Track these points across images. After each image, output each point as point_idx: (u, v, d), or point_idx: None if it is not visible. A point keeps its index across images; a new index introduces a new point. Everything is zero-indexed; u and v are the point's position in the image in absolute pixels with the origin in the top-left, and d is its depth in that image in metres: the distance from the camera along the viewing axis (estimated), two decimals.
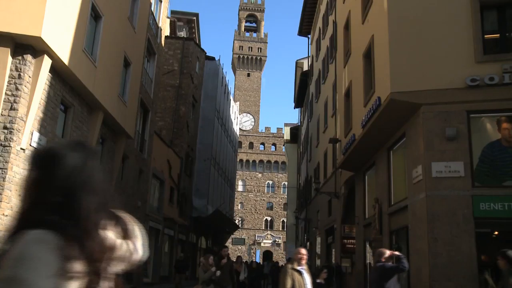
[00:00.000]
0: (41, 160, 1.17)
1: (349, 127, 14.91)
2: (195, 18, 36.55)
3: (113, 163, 16.92)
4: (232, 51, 77.74)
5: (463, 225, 8.83)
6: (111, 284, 1.15)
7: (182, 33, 34.68)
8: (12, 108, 10.32)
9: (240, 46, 76.59)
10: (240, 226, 58.04)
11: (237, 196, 62.39)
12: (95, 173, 1.19)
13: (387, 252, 6.59)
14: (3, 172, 9.95)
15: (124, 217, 1.23)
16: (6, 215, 9.70)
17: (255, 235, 65.98)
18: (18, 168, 10.23)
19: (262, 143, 70.89)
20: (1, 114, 10.24)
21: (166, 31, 25.93)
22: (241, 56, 76.18)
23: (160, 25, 22.77)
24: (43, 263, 1.01)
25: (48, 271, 1.01)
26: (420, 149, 9.69)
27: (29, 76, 10.66)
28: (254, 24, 79.48)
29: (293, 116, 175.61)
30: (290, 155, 42.44)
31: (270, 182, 69.23)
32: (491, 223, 9.01)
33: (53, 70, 11.65)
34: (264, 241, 66.01)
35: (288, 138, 42.95)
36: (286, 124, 47.36)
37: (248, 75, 76.25)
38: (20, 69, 10.53)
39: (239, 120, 60.91)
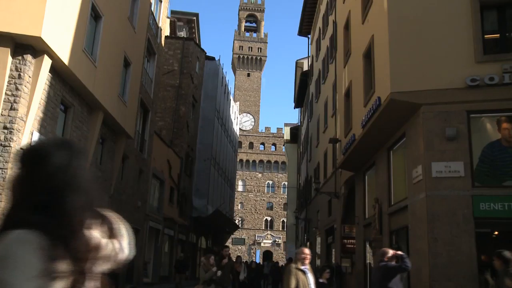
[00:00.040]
0: (26, 158, 1.15)
1: (349, 127, 14.91)
2: (195, 18, 36.56)
3: (113, 163, 16.92)
4: (232, 51, 77.77)
5: (463, 225, 8.83)
6: (97, 284, 1.13)
7: (182, 33, 34.68)
8: (12, 108, 10.33)
9: (240, 46, 76.59)
10: (240, 226, 58.04)
11: (237, 196, 62.39)
12: (81, 172, 1.17)
13: (390, 252, 6.59)
14: (3, 172, 9.96)
15: (110, 216, 1.21)
16: None
17: (255, 235, 65.98)
18: None
19: (262, 143, 70.89)
20: (1, 114, 10.25)
21: (166, 31, 25.93)
22: (241, 56, 76.18)
23: (160, 25, 22.77)
24: (25, 264, 0.99)
25: (31, 272, 0.99)
26: (420, 149, 9.69)
27: (29, 76, 10.66)
28: (254, 24, 79.49)
29: (293, 116, 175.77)
30: (290, 155, 42.44)
31: (270, 182, 69.24)
32: (491, 223, 9.01)
33: (53, 70, 11.66)
34: (264, 241, 66.02)
35: (288, 138, 42.96)
36: (286, 124, 47.39)
37: (248, 75, 76.25)
38: (20, 69, 10.53)
39: (239, 120, 60.92)
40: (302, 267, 5.92)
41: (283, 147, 57.82)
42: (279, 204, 67.56)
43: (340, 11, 17.91)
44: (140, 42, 18.79)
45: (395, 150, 11.96)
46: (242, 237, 64.61)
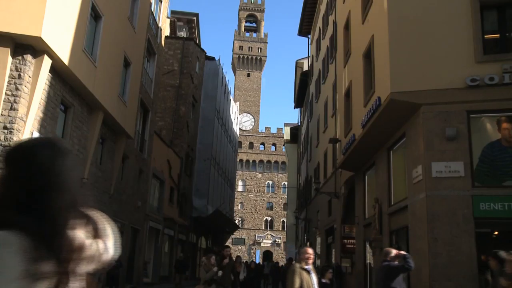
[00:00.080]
0: (9, 158, 1.13)
1: (349, 127, 14.91)
2: (195, 18, 36.56)
3: (113, 163, 16.93)
4: (232, 51, 77.77)
5: (463, 225, 8.83)
6: (82, 284, 1.12)
7: (182, 33, 34.68)
8: (12, 108, 10.33)
9: (240, 46, 76.59)
10: (240, 226, 58.04)
11: (237, 196, 62.38)
12: (66, 172, 1.14)
13: (393, 252, 6.59)
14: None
15: (95, 216, 1.19)
16: None
17: (255, 235, 65.98)
18: None
19: (262, 143, 70.89)
20: (1, 114, 10.25)
21: (166, 31, 25.94)
22: (241, 56, 76.18)
23: (160, 25, 22.77)
24: (6, 266, 0.98)
25: (11, 274, 0.98)
26: (420, 149, 9.69)
27: (29, 76, 10.66)
28: (254, 24, 79.48)
29: (293, 116, 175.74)
30: (290, 155, 42.44)
31: (270, 182, 69.24)
32: (491, 223, 9.01)
33: (53, 70, 11.66)
34: (264, 241, 66.02)
35: (288, 138, 42.96)
36: (286, 124, 47.39)
37: (248, 75, 76.25)
38: (20, 69, 10.53)
39: (239, 120, 60.92)
40: (306, 267, 5.94)
41: (283, 147, 57.83)
42: (279, 204, 67.56)
43: (340, 11, 17.91)
44: (140, 42, 18.79)
45: (395, 150, 11.96)
46: (242, 237, 64.61)
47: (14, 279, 0.98)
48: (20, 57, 10.59)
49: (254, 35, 77.72)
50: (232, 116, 46.74)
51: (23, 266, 0.99)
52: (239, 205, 65.84)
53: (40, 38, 10.39)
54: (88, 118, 14.30)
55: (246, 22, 78.91)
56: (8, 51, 10.41)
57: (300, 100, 36.11)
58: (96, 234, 1.18)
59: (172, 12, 32.61)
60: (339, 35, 17.75)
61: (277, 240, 66.06)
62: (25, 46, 10.63)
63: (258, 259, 56.18)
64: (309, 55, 31.74)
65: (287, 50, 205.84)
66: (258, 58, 76.52)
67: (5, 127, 10.19)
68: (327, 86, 21.56)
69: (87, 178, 14.19)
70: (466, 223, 8.82)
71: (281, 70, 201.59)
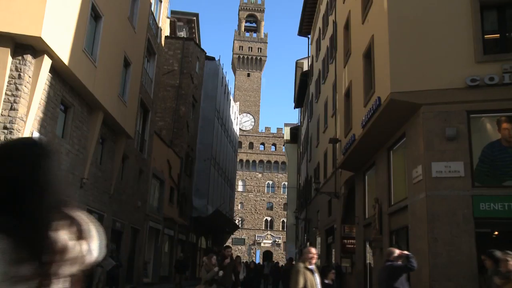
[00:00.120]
0: None
1: (349, 127, 14.91)
2: (195, 18, 36.57)
3: (113, 163, 16.93)
4: (232, 51, 77.78)
5: (463, 225, 8.83)
6: (65, 285, 1.11)
7: (182, 33, 34.69)
8: (12, 108, 10.33)
9: (240, 46, 76.61)
10: (240, 226, 58.04)
11: (237, 196, 62.39)
12: (49, 172, 1.13)
13: (396, 251, 6.59)
14: None
15: (79, 217, 1.18)
16: None
17: (255, 235, 65.99)
18: None
19: (262, 143, 70.91)
20: (1, 114, 10.25)
21: (166, 31, 25.94)
22: (241, 56, 76.20)
23: (160, 25, 22.78)
24: None
25: None
26: (420, 149, 9.69)
27: (29, 76, 10.66)
28: (254, 24, 79.50)
29: (293, 116, 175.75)
30: (290, 155, 42.45)
31: (270, 182, 69.25)
32: (491, 223, 9.01)
33: (53, 70, 11.66)
34: (264, 241, 66.03)
35: (288, 138, 42.97)
36: (286, 124, 47.41)
37: (248, 75, 76.27)
38: (20, 69, 10.53)
39: (239, 120, 60.92)
40: (310, 267, 5.94)
41: (283, 147, 57.84)
42: (279, 204, 67.57)
43: (340, 11, 17.91)
44: (140, 42, 18.80)
45: (395, 150, 11.96)
46: (242, 237, 64.62)
47: None
48: (20, 57, 10.59)
49: (254, 35, 77.74)
50: (232, 116, 46.74)
51: (3, 268, 0.98)
52: (239, 205, 65.85)
53: (40, 38, 10.39)
54: (88, 118, 14.30)
55: (246, 22, 78.93)
56: (8, 51, 10.41)
57: (300, 100, 36.12)
58: (80, 235, 1.16)
59: (172, 12, 32.63)
60: (339, 35, 17.75)
61: (277, 240, 66.07)
62: (25, 46, 10.63)
63: (258, 259, 56.20)
64: (309, 55, 31.74)
65: (287, 50, 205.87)
66: (258, 58, 76.54)
67: (5, 127, 10.19)
68: (327, 86, 21.56)
69: (87, 178, 14.19)
70: (466, 223, 8.82)
71: (281, 70, 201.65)
